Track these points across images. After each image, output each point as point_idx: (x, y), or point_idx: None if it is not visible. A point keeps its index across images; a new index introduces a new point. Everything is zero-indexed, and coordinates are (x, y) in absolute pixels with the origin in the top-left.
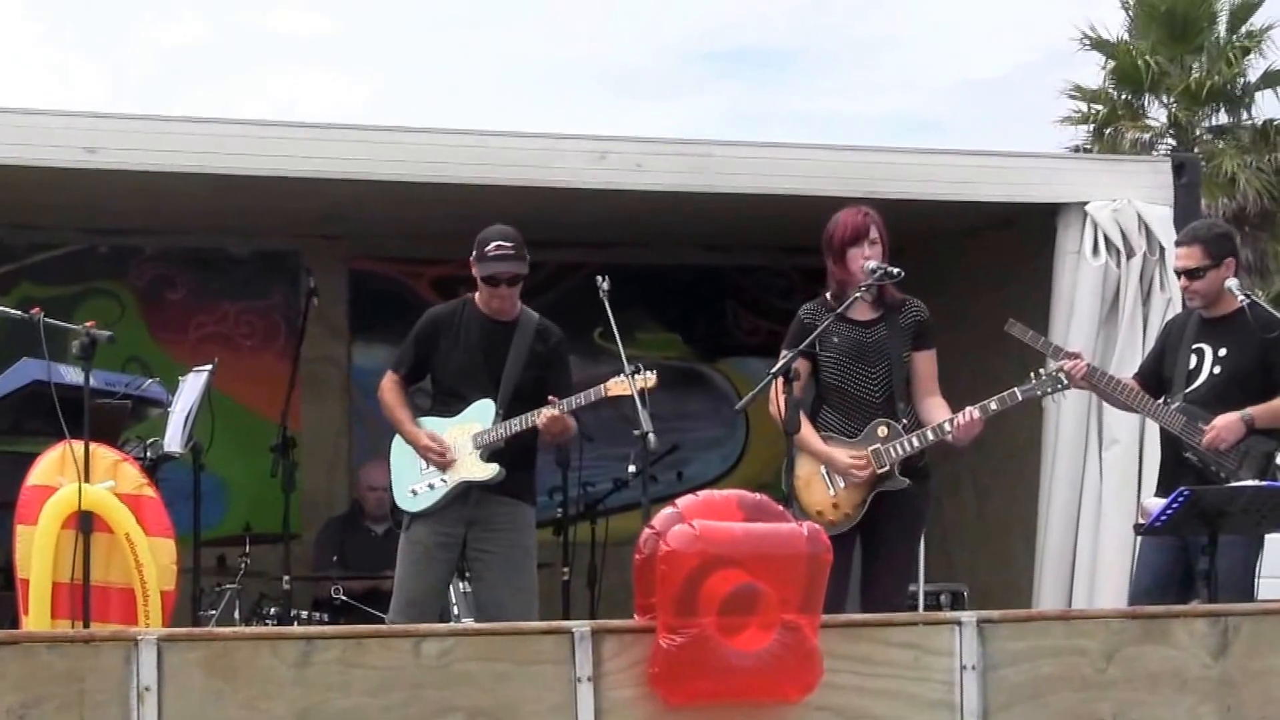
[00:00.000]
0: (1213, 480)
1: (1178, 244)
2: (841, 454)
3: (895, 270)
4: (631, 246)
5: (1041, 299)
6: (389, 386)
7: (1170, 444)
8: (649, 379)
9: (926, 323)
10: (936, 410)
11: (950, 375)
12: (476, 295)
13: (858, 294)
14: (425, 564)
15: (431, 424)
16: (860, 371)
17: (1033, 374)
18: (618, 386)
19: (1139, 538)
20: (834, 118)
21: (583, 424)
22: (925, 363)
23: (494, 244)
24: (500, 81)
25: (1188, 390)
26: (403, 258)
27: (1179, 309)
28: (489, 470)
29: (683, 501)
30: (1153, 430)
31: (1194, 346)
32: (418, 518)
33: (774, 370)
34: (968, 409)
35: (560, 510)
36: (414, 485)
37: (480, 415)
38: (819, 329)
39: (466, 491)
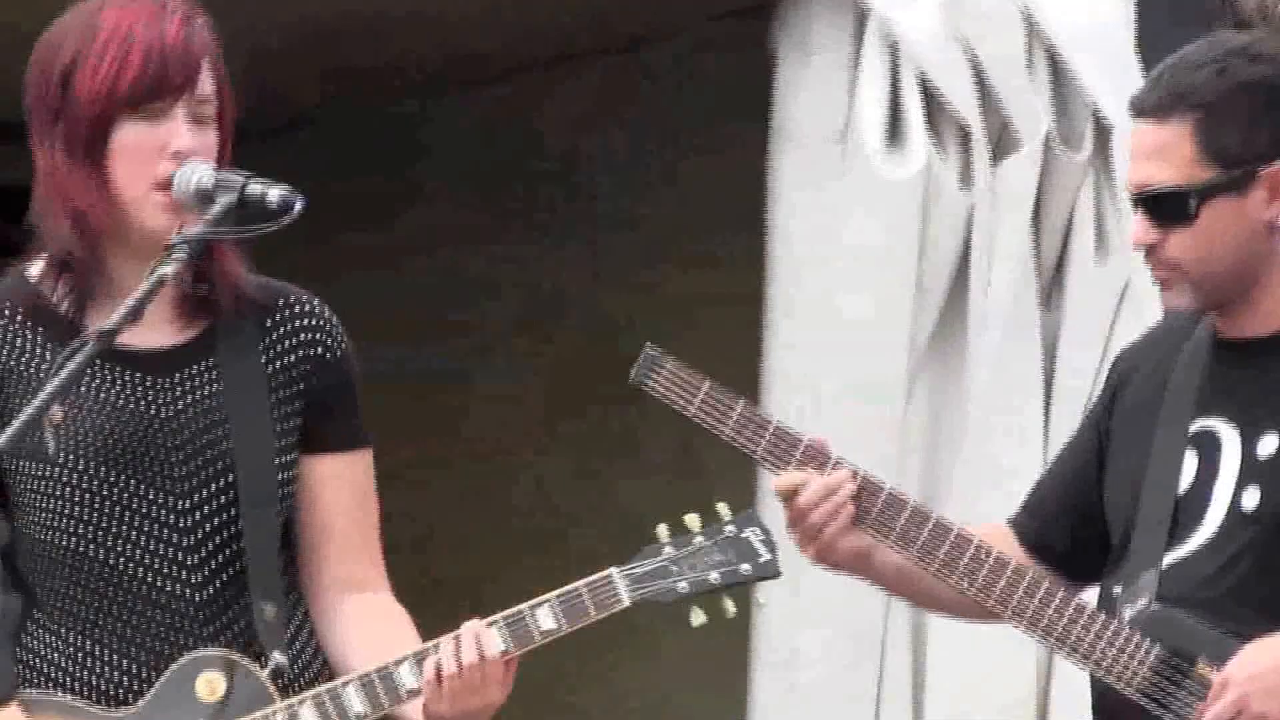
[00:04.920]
0: None
1: (1131, 107)
2: None
3: (277, 195)
4: None
5: (742, 264)
6: None
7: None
8: None
9: (341, 359)
10: (373, 629)
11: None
12: None
13: (163, 270)
14: None
15: None
16: (147, 514)
17: (658, 535)
18: None
19: None
20: None
21: None
22: (348, 484)
23: None
24: None
25: (1175, 550)
26: None
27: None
28: None
29: None
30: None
31: (1197, 426)
32: None
33: None
34: (470, 629)
35: None
36: None
37: None
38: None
39: None
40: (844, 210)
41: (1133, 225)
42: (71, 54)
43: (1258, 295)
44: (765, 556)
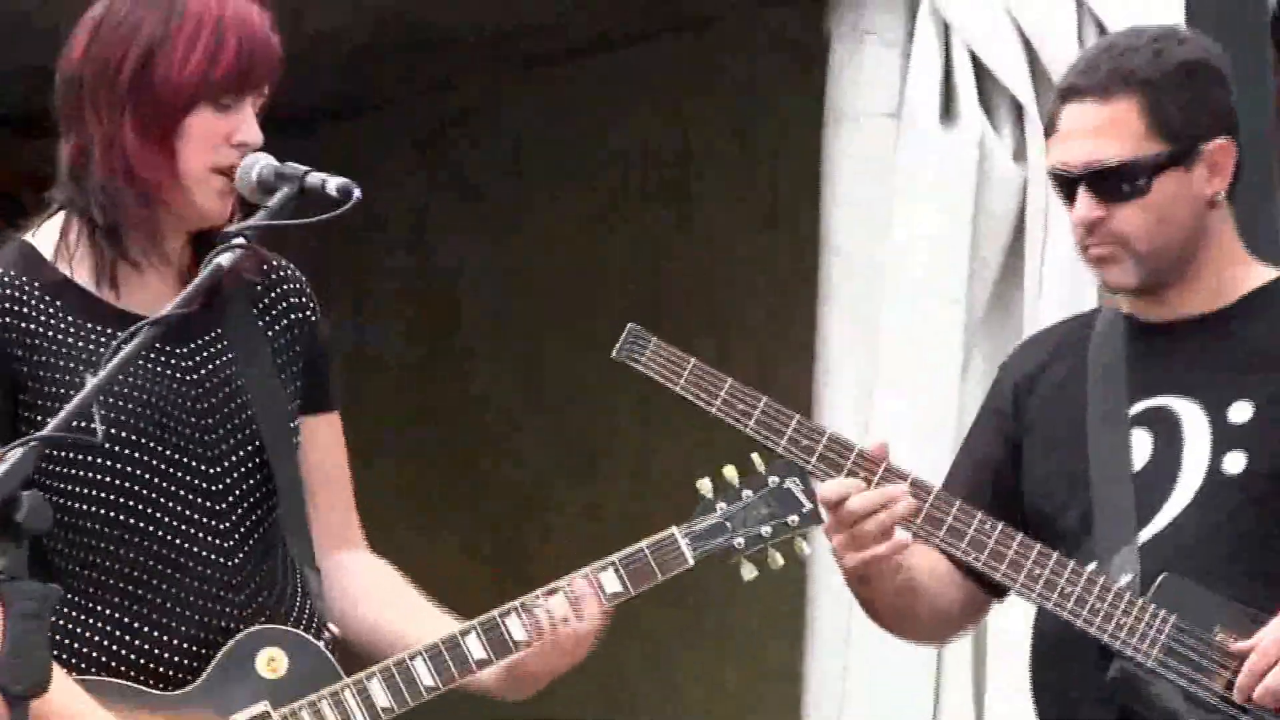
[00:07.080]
0: None
1: (1065, 92)
2: None
3: (335, 185)
4: None
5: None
6: None
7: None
8: None
9: (321, 322)
10: (370, 584)
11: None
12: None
13: (222, 259)
14: None
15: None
16: (181, 480)
17: (706, 488)
18: None
19: None
20: None
21: None
22: (328, 446)
23: None
24: None
25: (1148, 525)
26: None
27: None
28: None
29: None
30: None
31: (1141, 407)
32: None
33: None
34: (576, 582)
35: None
36: None
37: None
38: (119, 356)
39: None
40: (899, 185)
41: (1076, 204)
42: (153, 36)
43: (1194, 273)
44: (808, 506)
